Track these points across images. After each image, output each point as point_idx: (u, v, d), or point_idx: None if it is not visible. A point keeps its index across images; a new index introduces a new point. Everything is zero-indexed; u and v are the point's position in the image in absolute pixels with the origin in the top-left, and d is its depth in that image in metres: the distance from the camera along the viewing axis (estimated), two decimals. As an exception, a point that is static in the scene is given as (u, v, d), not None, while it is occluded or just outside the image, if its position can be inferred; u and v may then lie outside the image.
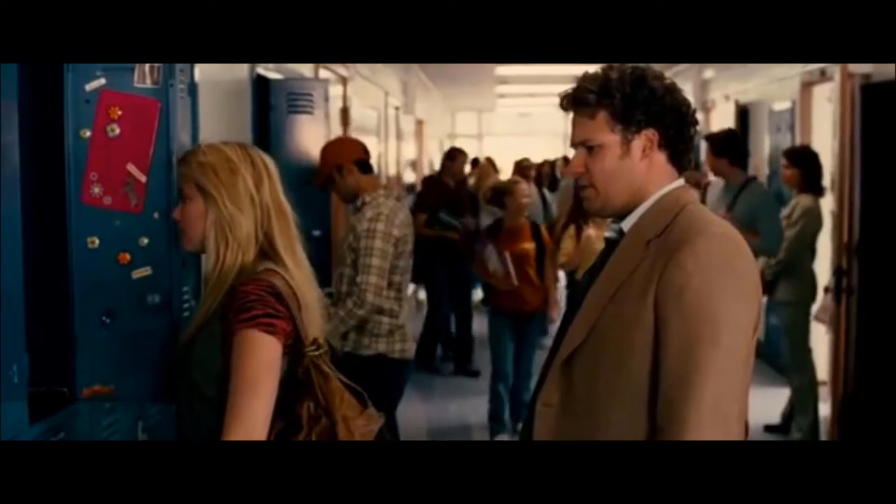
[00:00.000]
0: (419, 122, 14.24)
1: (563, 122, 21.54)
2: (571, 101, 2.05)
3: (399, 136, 11.52)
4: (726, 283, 1.88)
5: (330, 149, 4.45)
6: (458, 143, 18.27)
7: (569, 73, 12.90)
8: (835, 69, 6.27)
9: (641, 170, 2.02)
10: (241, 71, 4.63)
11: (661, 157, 2.02)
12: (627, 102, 1.98)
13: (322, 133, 5.07)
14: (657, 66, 2.05)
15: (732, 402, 1.88)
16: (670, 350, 1.87)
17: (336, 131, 6.69)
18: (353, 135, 7.34)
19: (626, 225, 2.03)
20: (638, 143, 2.00)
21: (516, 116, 21.79)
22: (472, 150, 17.41)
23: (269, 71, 5.05)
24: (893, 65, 5.81)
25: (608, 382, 1.94)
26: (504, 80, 14.08)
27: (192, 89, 3.54)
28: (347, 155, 4.30)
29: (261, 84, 4.88)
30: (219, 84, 4.17)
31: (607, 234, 2.10)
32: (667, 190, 2.03)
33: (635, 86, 1.98)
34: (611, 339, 1.94)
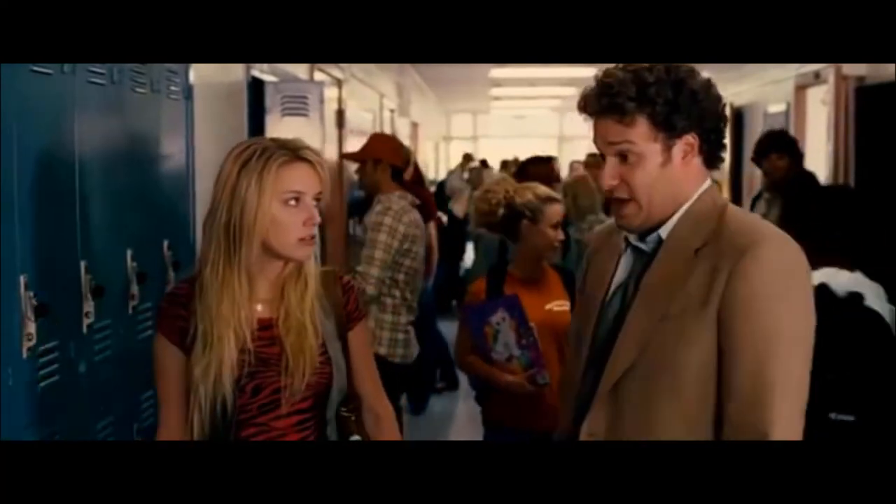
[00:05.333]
0: (414, 125, 14.24)
1: (557, 125, 21.54)
2: (606, 108, 1.85)
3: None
4: (791, 292, 1.78)
5: (382, 141, 4.58)
6: (453, 146, 18.32)
7: (562, 76, 12.95)
8: (829, 72, 6.30)
9: (681, 177, 1.87)
10: (236, 73, 4.63)
11: (697, 161, 1.89)
12: (671, 108, 1.82)
13: (317, 135, 5.07)
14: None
15: (800, 418, 1.78)
16: (741, 367, 1.76)
17: (331, 134, 6.68)
18: (349, 137, 7.35)
19: (665, 232, 1.89)
20: (678, 149, 1.86)
21: (511, 118, 21.79)
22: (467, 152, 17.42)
23: (265, 73, 5.05)
24: (888, 67, 5.83)
25: (665, 405, 1.81)
26: (498, 83, 14.08)
27: (188, 92, 3.56)
28: (391, 156, 4.35)
29: (256, 86, 4.88)
30: (214, 87, 4.17)
31: (635, 242, 1.93)
32: (700, 192, 1.90)
33: (676, 89, 1.83)
34: (667, 358, 1.81)
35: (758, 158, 5.46)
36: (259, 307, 2.10)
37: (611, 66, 1.87)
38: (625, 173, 1.86)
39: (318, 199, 2.07)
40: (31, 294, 2.28)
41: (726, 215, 1.86)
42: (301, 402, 2.08)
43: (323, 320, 2.13)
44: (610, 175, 1.87)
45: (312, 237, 2.06)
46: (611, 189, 1.88)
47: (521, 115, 21.38)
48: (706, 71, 7.61)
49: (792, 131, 7.60)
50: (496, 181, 3.67)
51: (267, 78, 5.05)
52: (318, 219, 2.06)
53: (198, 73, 3.66)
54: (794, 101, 7.55)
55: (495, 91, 15.84)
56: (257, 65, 4.91)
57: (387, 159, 4.33)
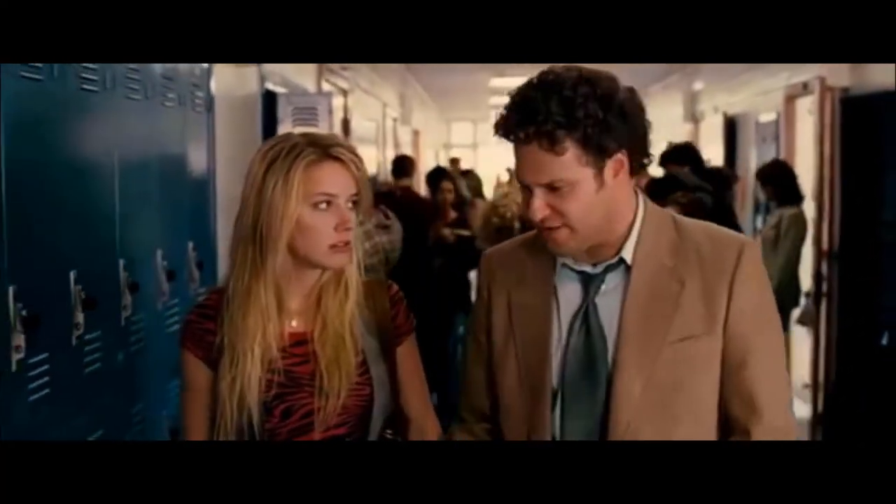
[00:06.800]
0: (416, 133, 14.50)
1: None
2: (532, 135, 1.65)
3: (396, 145, 11.77)
4: (770, 286, 1.80)
5: None
6: (454, 153, 18.52)
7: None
8: (816, 83, 6.54)
9: (615, 197, 1.73)
10: (251, 86, 4.90)
11: (626, 178, 1.75)
12: (601, 129, 1.65)
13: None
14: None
15: None
16: (761, 375, 1.73)
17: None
18: (354, 145, 7.60)
19: (627, 255, 1.76)
20: (609, 170, 1.69)
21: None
22: (467, 159, 17.65)
23: (277, 86, 5.32)
24: (871, 79, 6.08)
25: (686, 434, 1.73)
26: (498, 92, 14.34)
27: (210, 104, 3.83)
28: None
29: (268, 98, 5.15)
30: (232, 99, 4.44)
31: (578, 267, 1.79)
32: (643, 207, 1.80)
33: (605, 107, 1.65)
34: (681, 387, 1.72)
35: (662, 166, 5.84)
36: (294, 322, 1.90)
37: (524, 81, 1.72)
38: (555, 203, 1.69)
39: (353, 202, 1.86)
40: (80, 288, 2.54)
41: (680, 224, 1.80)
42: (336, 427, 1.87)
43: (366, 336, 1.92)
44: (539, 208, 1.70)
45: (347, 243, 1.85)
46: (542, 220, 1.71)
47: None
48: (701, 80, 7.89)
49: (782, 139, 7.85)
50: (503, 195, 3.73)
51: (279, 90, 5.31)
52: (352, 224, 1.85)
53: (217, 86, 3.92)
54: (783, 110, 7.79)
55: (495, 100, 16.11)
56: (270, 78, 5.17)
57: None
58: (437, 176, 7.21)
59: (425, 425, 2.00)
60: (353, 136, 7.83)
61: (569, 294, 1.79)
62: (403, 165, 7.37)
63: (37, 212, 2.35)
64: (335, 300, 1.90)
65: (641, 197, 1.81)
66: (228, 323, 1.86)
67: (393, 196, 6.70)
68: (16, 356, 2.23)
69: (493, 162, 16.38)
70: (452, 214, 6.76)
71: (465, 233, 6.44)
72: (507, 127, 1.69)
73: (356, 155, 1.88)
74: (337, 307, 1.90)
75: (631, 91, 1.72)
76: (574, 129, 1.64)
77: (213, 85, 3.85)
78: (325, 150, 1.84)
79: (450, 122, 22.14)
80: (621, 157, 1.70)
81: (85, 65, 2.59)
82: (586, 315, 1.76)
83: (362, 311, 1.93)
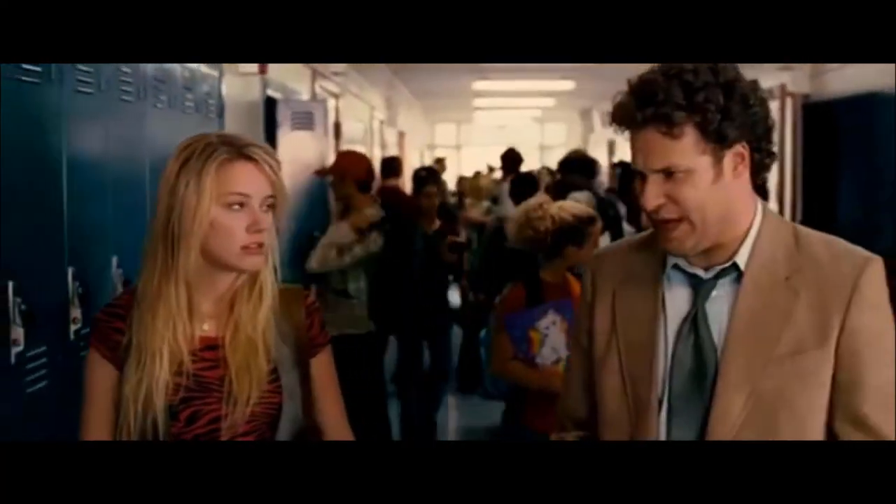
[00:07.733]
0: (401, 134, 14.89)
1: (538, 134, 22.25)
2: (650, 118, 1.62)
3: (383, 146, 12.17)
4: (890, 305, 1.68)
5: (345, 158, 5.21)
6: (438, 153, 18.94)
7: (542, 89, 13.38)
8: (778, 89, 6.99)
9: (734, 193, 1.66)
10: (254, 93, 5.30)
11: (747, 174, 1.67)
12: (723, 116, 1.60)
13: (322, 147, 5.72)
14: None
15: None
16: (870, 399, 1.63)
17: (330, 143, 7.34)
18: (342, 146, 8.01)
19: (741, 260, 1.69)
20: (728, 161, 1.64)
21: (493, 128, 22.44)
22: (451, 160, 18.04)
23: (276, 92, 5.72)
24: (829, 86, 6.52)
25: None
26: (481, 94, 14.74)
27: (221, 110, 4.22)
28: (354, 170, 4.99)
29: (269, 104, 5.55)
30: (238, 105, 4.84)
31: (690, 269, 1.71)
32: (761, 211, 1.71)
33: (727, 94, 1.61)
34: (785, 404, 1.64)
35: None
36: (205, 326, 1.88)
37: (645, 69, 1.69)
38: (671, 191, 1.64)
39: (269, 205, 1.84)
40: (121, 272, 2.94)
41: (801, 234, 1.72)
42: (244, 434, 1.85)
43: (279, 345, 1.89)
44: (654, 194, 1.64)
45: (260, 245, 1.82)
46: (655, 209, 1.66)
47: (503, 126, 22.04)
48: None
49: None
50: (537, 204, 3.65)
51: (278, 96, 5.71)
52: (264, 225, 1.82)
53: (226, 92, 4.31)
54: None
55: (478, 102, 16.51)
56: (271, 84, 5.57)
57: (350, 174, 4.95)
58: (421, 178, 7.52)
59: (339, 437, 1.99)
60: (344, 138, 8.23)
61: (676, 298, 1.73)
62: (392, 166, 7.79)
63: (91, 205, 2.76)
64: (249, 305, 1.88)
65: (761, 201, 1.74)
66: (138, 323, 1.84)
67: (380, 195, 7.09)
68: (72, 327, 2.63)
69: (478, 162, 16.79)
70: (437, 223, 6.44)
71: (460, 239, 6.77)
72: (624, 112, 1.67)
73: (273, 157, 1.86)
74: (250, 312, 1.87)
75: (754, 84, 1.68)
76: (694, 113, 1.61)
77: (223, 92, 4.24)
78: (239, 149, 1.82)
79: (434, 124, 22.55)
80: (741, 149, 1.65)
81: (123, 78, 2.99)
82: (695, 322, 1.70)
83: (277, 319, 1.90)
